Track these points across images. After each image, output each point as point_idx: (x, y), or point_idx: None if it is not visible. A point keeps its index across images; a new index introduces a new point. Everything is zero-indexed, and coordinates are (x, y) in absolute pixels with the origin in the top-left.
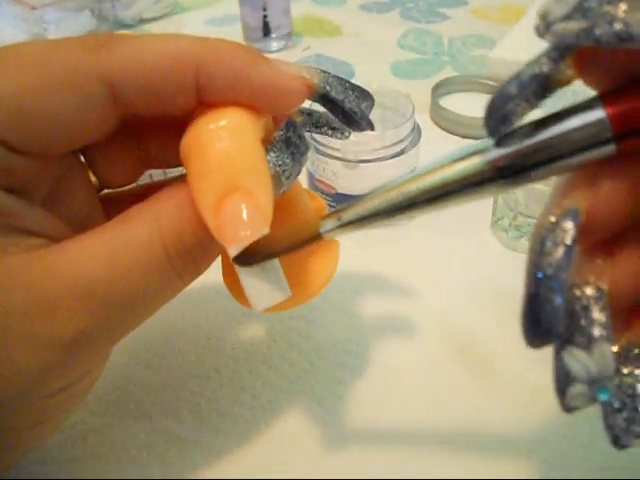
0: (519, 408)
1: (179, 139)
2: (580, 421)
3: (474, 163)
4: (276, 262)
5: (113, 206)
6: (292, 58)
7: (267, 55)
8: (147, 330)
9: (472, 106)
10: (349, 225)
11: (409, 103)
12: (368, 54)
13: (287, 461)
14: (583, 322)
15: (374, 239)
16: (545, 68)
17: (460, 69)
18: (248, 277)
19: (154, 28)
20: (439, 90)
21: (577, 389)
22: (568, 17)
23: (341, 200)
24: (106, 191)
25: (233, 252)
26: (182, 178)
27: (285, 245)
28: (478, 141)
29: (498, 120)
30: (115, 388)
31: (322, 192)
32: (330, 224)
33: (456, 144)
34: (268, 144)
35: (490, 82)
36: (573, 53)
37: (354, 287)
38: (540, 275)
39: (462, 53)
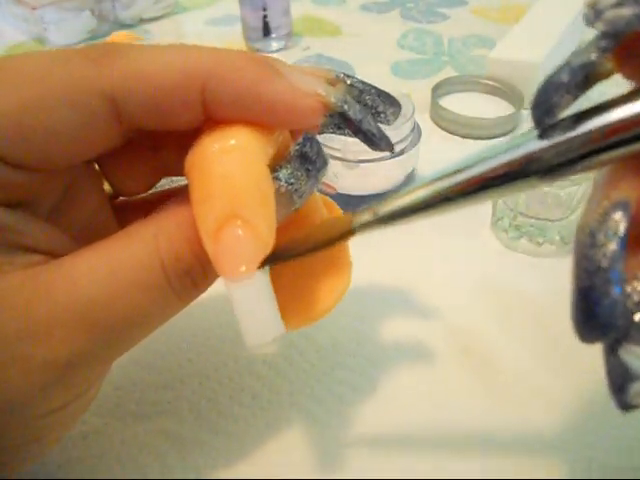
0: (520, 408)
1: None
2: (581, 421)
3: (517, 156)
4: (272, 295)
5: (128, 213)
6: (292, 58)
7: (267, 55)
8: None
9: (472, 106)
10: (385, 220)
11: (409, 103)
12: (368, 54)
13: (287, 461)
14: (638, 318)
15: (374, 239)
16: (593, 57)
17: (460, 69)
18: (243, 312)
19: (154, 28)
20: (439, 90)
21: (639, 387)
22: (619, 4)
23: (341, 200)
24: (121, 198)
25: (230, 288)
26: (183, 192)
27: (317, 241)
28: (520, 134)
29: (544, 111)
30: (115, 388)
31: (322, 192)
32: (364, 219)
33: (456, 144)
34: (282, 160)
35: (490, 82)
36: (618, 44)
37: (354, 287)
38: (592, 268)
39: (462, 53)
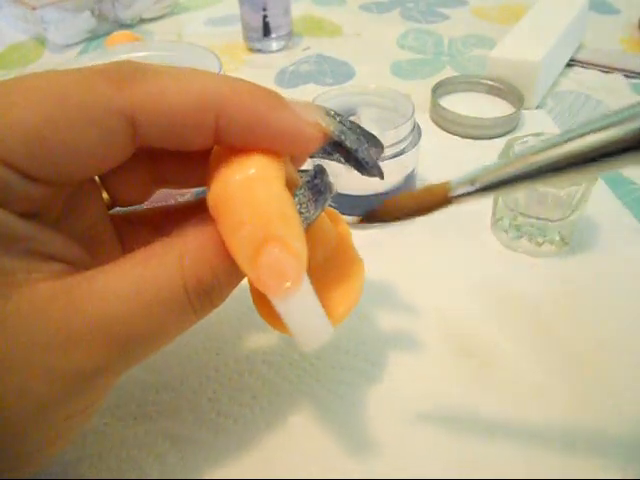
0: (520, 408)
1: (193, 163)
2: (581, 421)
3: (626, 129)
4: (317, 301)
5: (126, 225)
6: (292, 58)
7: (267, 55)
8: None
9: (472, 106)
10: (484, 190)
11: (409, 103)
12: (368, 54)
13: (287, 461)
14: None
15: (374, 239)
16: None
17: (460, 69)
18: (295, 323)
19: (154, 28)
20: (439, 90)
21: None
22: None
23: (341, 200)
24: (117, 209)
25: (279, 306)
26: (205, 212)
27: (411, 209)
28: (629, 105)
29: None
30: (115, 388)
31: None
32: (462, 189)
33: (456, 144)
34: (294, 188)
35: (490, 82)
36: None
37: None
38: None
39: (462, 53)
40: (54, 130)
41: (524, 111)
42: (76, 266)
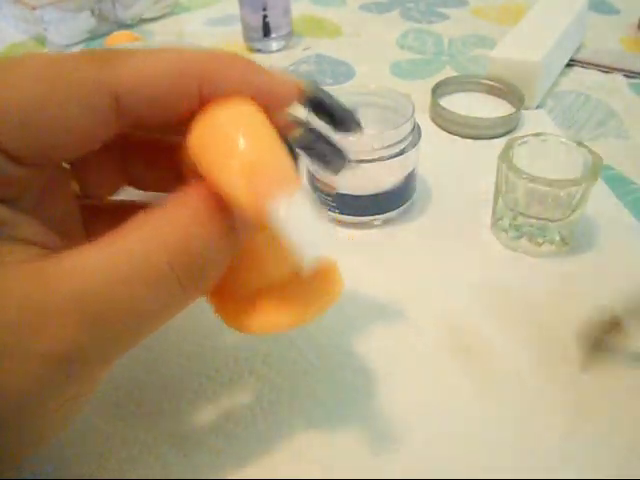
0: (520, 408)
1: (161, 164)
2: (581, 420)
3: None
4: (315, 213)
5: (93, 218)
6: (292, 58)
7: (267, 55)
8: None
9: (472, 106)
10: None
11: (409, 103)
12: (368, 54)
13: (287, 461)
14: None
15: (375, 240)
16: None
17: (460, 69)
18: (297, 230)
19: (154, 28)
20: (439, 90)
21: None
22: None
23: (341, 200)
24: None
25: (283, 214)
26: (179, 193)
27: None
28: None
29: None
30: (115, 388)
31: (322, 192)
32: None
33: (456, 144)
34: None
35: (490, 82)
36: None
37: (355, 287)
38: None
39: (462, 53)
40: (40, 110)
41: (524, 111)
42: (49, 247)
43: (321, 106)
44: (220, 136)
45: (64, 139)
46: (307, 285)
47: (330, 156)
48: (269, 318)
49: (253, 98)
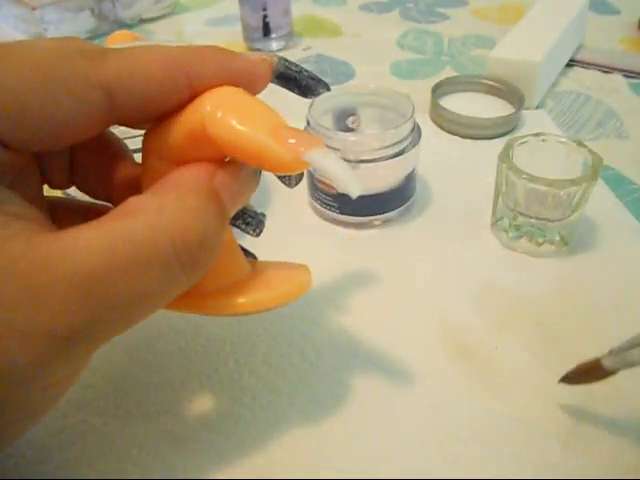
0: (520, 408)
1: (109, 174)
2: (581, 420)
3: None
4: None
5: (60, 209)
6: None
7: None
8: (147, 330)
9: (472, 106)
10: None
11: (409, 103)
12: (368, 54)
13: (287, 461)
14: None
15: (375, 239)
16: None
17: (460, 69)
18: (339, 170)
19: (154, 28)
20: (439, 90)
21: None
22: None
23: (341, 200)
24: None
25: (321, 161)
26: (177, 170)
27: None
28: None
29: None
30: (115, 388)
31: (322, 192)
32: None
33: (456, 144)
34: None
35: (490, 82)
36: None
37: (355, 287)
38: None
39: (462, 53)
40: (35, 99)
41: (524, 111)
42: (44, 226)
43: (289, 78)
44: (234, 105)
45: (55, 130)
46: (276, 274)
47: (308, 81)
48: (252, 297)
49: (236, 83)
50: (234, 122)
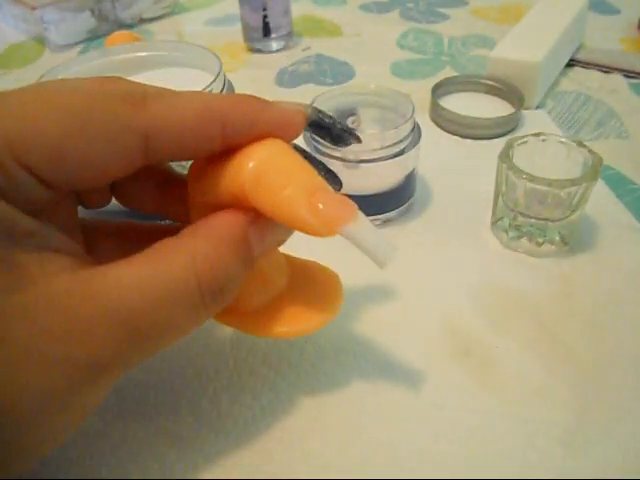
0: (520, 408)
1: (148, 187)
2: (581, 420)
3: None
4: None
5: (90, 230)
6: (292, 58)
7: (267, 55)
8: None
9: (472, 106)
10: None
11: (409, 103)
12: (368, 54)
13: (287, 461)
14: None
15: None
16: None
17: (460, 69)
18: (368, 242)
19: (154, 28)
20: (439, 90)
21: None
22: None
23: None
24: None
25: (352, 232)
26: (215, 216)
27: None
28: None
29: None
30: (115, 388)
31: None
32: None
33: (456, 144)
34: None
35: (490, 82)
36: None
37: (354, 287)
38: None
39: (462, 53)
40: (74, 143)
41: (524, 111)
42: (81, 260)
43: (321, 126)
44: (273, 169)
45: (91, 171)
46: (311, 293)
47: (340, 131)
48: (293, 328)
49: (270, 133)
50: (272, 194)
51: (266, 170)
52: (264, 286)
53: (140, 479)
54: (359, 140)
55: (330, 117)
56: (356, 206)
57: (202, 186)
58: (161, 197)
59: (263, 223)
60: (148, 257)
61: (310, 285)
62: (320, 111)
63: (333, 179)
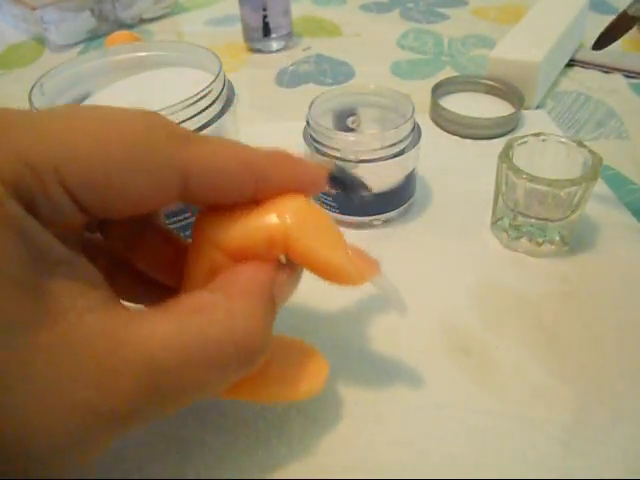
0: (519, 408)
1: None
2: (581, 420)
3: None
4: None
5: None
6: (292, 58)
7: (267, 55)
8: None
9: (472, 106)
10: None
11: (409, 103)
12: (368, 54)
13: (287, 461)
14: None
15: (374, 239)
16: None
17: (460, 69)
18: (392, 292)
19: (154, 28)
20: (439, 90)
21: None
22: None
23: (341, 200)
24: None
25: (379, 282)
26: (243, 271)
27: None
28: None
29: None
30: None
31: (322, 192)
32: None
33: (456, 144)
34: None
35: (490, 82)
36: None
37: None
38: None
39: (462, 53)
40: (119, 174)
41: (524, 111)
42: (109, 294)
43: (338, 181)
44: (311, 222)
45: (129, 201)
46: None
47: (355, 186)
48: (281, 393)
49: (297, 187)
50: (316, 245)
51: (304, 222)
52: None
53: (140, 479)
54: (370, 190)
55: (349, 174)
56: (379, 262)
57: (217, 234)
58: (153, 253)
59: (286, 274)
60: (184, 310)
61: (292, 357)
62: (341, 168)
63: (359, 183)
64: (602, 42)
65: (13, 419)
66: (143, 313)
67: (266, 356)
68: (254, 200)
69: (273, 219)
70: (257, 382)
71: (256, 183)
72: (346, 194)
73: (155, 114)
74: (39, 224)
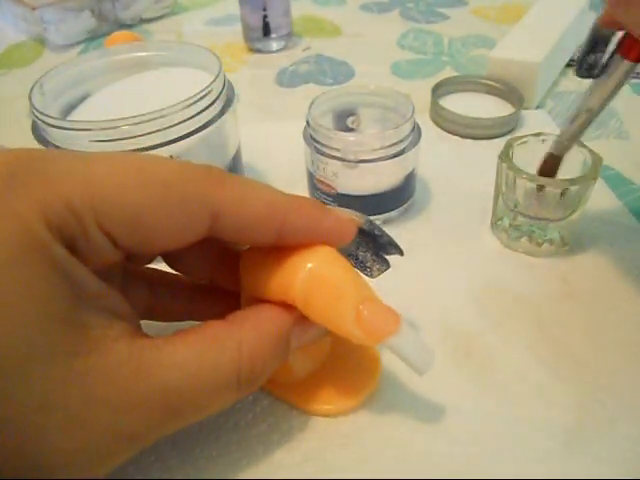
0: (519, 408)
1: (202, 257)
2: (581, 421)
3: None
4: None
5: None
6: (292, 58)
7: (267, 55)
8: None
9: (472, 106)
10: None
11: (409, 103)
12: (368, 54)
13: (288, 462)
14: None
15: None
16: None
17: (460, 69)
18: (410, 352)
19: (154, 28)
20: (439, 90)
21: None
22: None
23: (341, 200)
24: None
25: (395, 343)
26: (262, 310)
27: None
28: None
29: None
30: None
31: (322, 192)
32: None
33: (456, 144)
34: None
35: (490, 82)
36: None
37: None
38: None
39: (462, 53)
40: (151, 214)
41: (524, 111)
42: (135, 325)
43: (369, 235)
44: (324, 280)
45: (162, 239)
46: (351, 371)
47: (385, 244)
48: (335, 405)
49: (324, 238)
50: (322, 306)
51: (317, 281)
52: (303, 362)
53: (140, 479)
54: (402, 253)
55: (380, 229)
56: (400, 317)
57: (253, 279)
58: (213, 267)
59: (306, 324)
60: (200, 338)
61: (349, 360)
62: (371, 221)
63: (381, 262)
64: (542, 185)
65: (45, 440)
66: (164, 340)
67: (262, 383)
68: (278, 245)
69: (285, 273)
70: (306, 391)
71: (281, 229)
72: (375, 253)
73: (204, 165)
74: (79, 262)
